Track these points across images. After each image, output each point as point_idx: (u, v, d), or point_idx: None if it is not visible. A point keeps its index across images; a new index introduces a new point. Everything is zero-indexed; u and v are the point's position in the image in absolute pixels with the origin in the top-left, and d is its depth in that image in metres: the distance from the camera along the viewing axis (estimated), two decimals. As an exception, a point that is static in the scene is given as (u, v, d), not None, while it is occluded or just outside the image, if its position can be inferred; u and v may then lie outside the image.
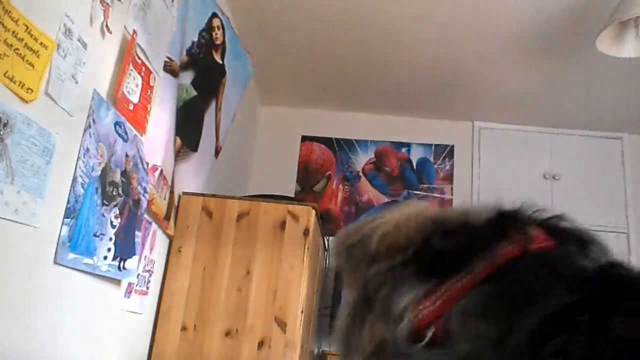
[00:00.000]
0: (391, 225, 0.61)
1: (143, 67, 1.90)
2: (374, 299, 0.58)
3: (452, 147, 3.97)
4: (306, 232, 2.27)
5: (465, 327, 0.48)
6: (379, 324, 0.56)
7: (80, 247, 1.55)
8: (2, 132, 1.21)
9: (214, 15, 2.55)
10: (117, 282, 1.86)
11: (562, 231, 0.55)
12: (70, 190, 1.49)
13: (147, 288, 2.13)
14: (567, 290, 0.46)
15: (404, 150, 3.99)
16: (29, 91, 1.30)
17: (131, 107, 1.83)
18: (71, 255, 1.51)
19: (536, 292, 0.47)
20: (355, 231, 0.65)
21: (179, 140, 2.34)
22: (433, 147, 3.98)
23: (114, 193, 1.73)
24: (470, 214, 0.59)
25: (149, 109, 1.97)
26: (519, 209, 0.59)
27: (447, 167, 3.93)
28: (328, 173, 3.97)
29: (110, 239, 1.72)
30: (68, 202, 1.48)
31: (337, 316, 0.67)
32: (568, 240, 0.54)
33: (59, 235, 1.46)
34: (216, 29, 2.59)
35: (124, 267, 1.83)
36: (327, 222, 3.73)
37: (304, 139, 4.05)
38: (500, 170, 3.89)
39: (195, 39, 2.41)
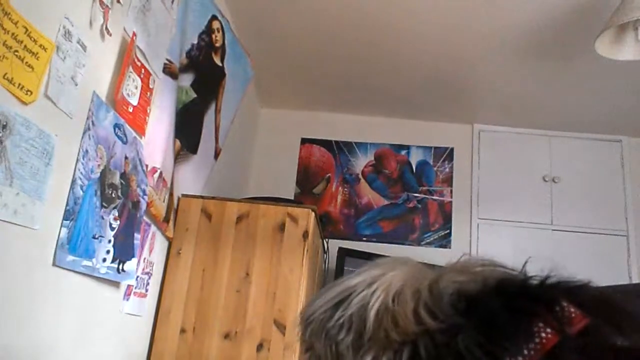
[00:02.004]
0: (392, 295, 0.50)
1: (142, 69, 1.90)
2: None
3: (452, 149, 3.97)
4: (305, 235, 2.27)
5: None
6: None
7: (79, 249, 1.55)
8: (1, 134, 1.21)
9: (214, 17, 2.55)
10: (116, 284, 1.86)
11: (593, 306, 0.48)
12: (70, 192, 1.49)
13: (146, 290, 2.13)
14: None
15: (403, 152, 4.00)
16: (28, 93, 1.30)
17: (130, 109, 1.83)
18: (70, 258, 1.51)
19: None
20: (337, 298, 0.53)
21: (178, 142, 2.34)
22: (433, 150, 3.98)
23: (113, 195, 1.73)
24: (485, 282, 0.49)
25: (148, 111, 1.97)
26: (540, 278, 0.50)
27: (447, 169, 3.93)
28: (327, 175, 3.97)
29: (110, 241, 1.72)
30: (67, 204, 1.48)
31: None
32: (600, 316, 0.47)
33: (58, 237, 1.46)
34: (216, 32, 2.59)
35: (123, 269, 1.83)
36: (326, 225, 3.73)
37: (304, 141, 4.05)
38: (499, 172, 3.89)
39: (195, 42, 2.41)
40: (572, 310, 0.47)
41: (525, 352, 0.44)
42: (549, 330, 0.45)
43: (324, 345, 0.52)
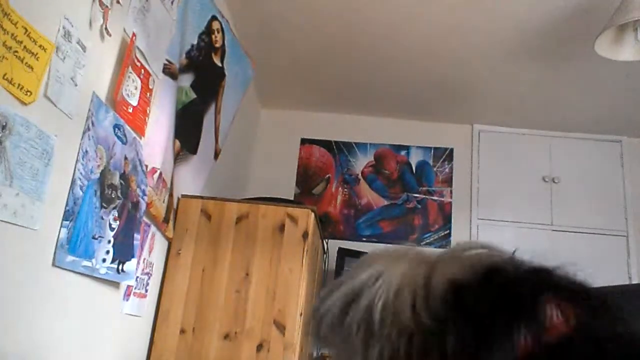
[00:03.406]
0: (394, 292, 0.55)
1: (142, 70, 1.90)
2: None
3: (452, 150, 3.97)
4: (305, 235, 2.27)
5: None
6: None
7: (79, 250, 1.55)
8: (0, 135, 1.21)
9: (214, 18, 2.55)
10: (116, 284, 1.86)
11: (580, 303, 0.50)
12: (69, 192, 1.49)
13: (146, 291, 2.13)
14: None
15: (403, 153, 4.00)
16: (28, 93, 1.30)
17: (130, 110, 1.83)
18: (70, 258, 1.51)
19: None
20: (348, 296, 0.58)
21: (178, 142, 2.34)
22: (432, 150, 3.98)
23: (113, 196, 1.73)
24: (474, 277, 0.52)
25: (148, 111, 1.97)
26: (529, 268, 0.53)
27: (447, 170, 3.93)
28: (327, 176, 3.97)
29: (109, 242, 1.72)
30: (67, 204, 1.48)
31: None
32: (587, 314, 0.49)
33: (58, 237, 1.46)
34: (216, 32, 2.59)
35: (122, 270, 1.83)
36: (326, 225, 3.73)
37: (304, 141, 4.05)
38: (499, 173, 3.89)
39: (195, 42, 2.41)
40: (556, 315, 0.48)
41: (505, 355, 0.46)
42: (528, 336, 0.47)
43: (341, 340, 0.57)
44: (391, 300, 0.54)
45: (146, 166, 1.99)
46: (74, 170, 1.51)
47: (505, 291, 0.50)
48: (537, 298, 0.49)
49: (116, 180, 1.74)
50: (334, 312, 0.58)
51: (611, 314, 0.50)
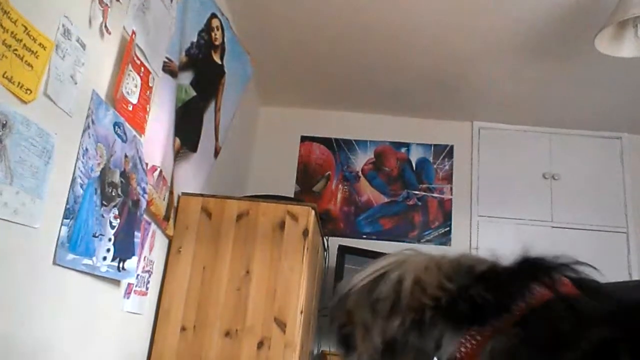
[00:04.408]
0: (421, 271, 0.61)
1: (142, 68, 1.90)
2: (402, 344, 0.58)
3: (452, 147, 3.97)
4: (305, 233, 2.27)
5: None
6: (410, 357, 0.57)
7: (79, 248, 1.55)
8: (1, 133, 1.21)
9: (213, 15, 2.55)
10: (117, 282, 1.86)
11: (582, 280, 0.58)
12: (70, 191, 1.49)
13: (147, 288, 2.13)
14: (600, 330, 0.49)
15: (403, 150, 4.00)
16: (28, 92, 1.30)
17: (130, 108, 1.83)
18: (70, 256, 1.51)
19: (570, 333, 0.50)
20: (378, 272, 0.63)
21: (178, 140, 2.34)
22: (432, 147, 3.98)
23: (113, 194, 1.73)
24: (496, 261, 0.60)
25: (148, 109, 1.97)
26: (539, 257, 0.61)
27: (447, 167, 3.93)
28: (327, 173, 3.97)
29: (110, 240, 1.72)
30: (67, 202, 1.48)
31: None
32: (587, 288, 0.57)
33: (58, 236, 1.46)
34: (215, 30, 2.59)
35: (123, 268, 1.83)
36: (326, 223, 3.73)
37: (304, 139, 4.05)
38: (499, 170, 3.89)
39: (195, 40, 2.41)
40: (565, 280, 0.57)
41: (526, 299, 0.54)
42: (545, 288, 0.55)
43: (367, 313, 0.62)
44: (421, 274, 0.61)
45: (146, 164, 1.99)
46: (74, 168, 1.51)
47: (522, 266, 0.59)
48: (550, 270, 0.58)
49: (116, 178, 1.74)
50: (363, 285, 0.64)
51: (604, 290, 0.58)
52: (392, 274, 0.62)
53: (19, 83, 1.26)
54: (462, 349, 0.53)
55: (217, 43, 2.63)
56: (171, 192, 2.28)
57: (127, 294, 1.96)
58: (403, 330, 0.58)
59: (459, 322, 0.55)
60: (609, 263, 3.54)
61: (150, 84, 1.97)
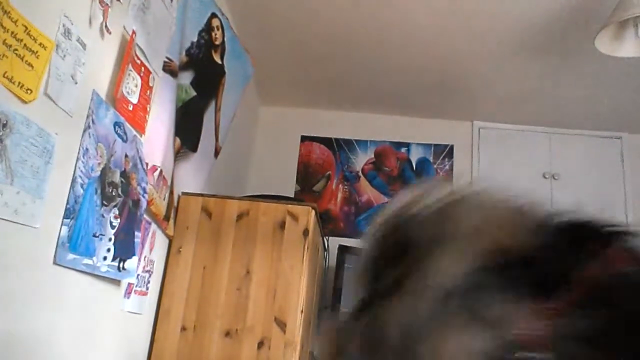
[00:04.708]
0: (506, 210, 0.49)
1: (142, 68, 1.90)
2: (462, 299, 0.46)
3: (452, 147, 3.97)
4: (306, 232, 2.27)
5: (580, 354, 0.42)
6: (467, 330, 0.45)
7: (79, 248, 1.55)
8: (1, 133, 1.21)
9: (213, 15, 2.55)
10: (117, 282, 1.86)
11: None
12: (70, 190, 1.49)
13: (147, 288, 2.13)
14: None
15: (403, 150, 4.00)
16: (28, 92, 1.30)
17: (130, 108, 1.83)
18: (71, 256, 1.51)
19: None
20: (454, 203, 0.50)
21: (178, 140, 2.34)
22: (432, 147, 3.98)
23: (114, 193, 1.73)
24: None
25: (148, 109, 1.97)
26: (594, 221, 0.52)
27: (447, 167, 3.93)
28: (328, 173, 3.97)
29: (110, 240, 1.72)
30: (67, 202, 1.48)
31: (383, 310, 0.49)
32: None
33: (59, 235, 1.46)
34: (215, 29, 2.59)
35: (123, 268, 1.83)
36: (326, 222, 3.73)
37: (304, 139, 4.05)
38: (499, 169, 3.88)
39: (195, 39, 2.41)
40: (622, 250, 0.49)
41: (591, 267, 0.46)
42: (621, 252, 0.48)
43: (430, 239, 0.49)
44: (507, 213, 0.49)
45: (146, 164, 1.99)
46: (75, 168, 1.51)
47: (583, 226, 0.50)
48: (623, 235, 0.51)
49: (117, 178, 1.74)
50: (431, 211, 0.50)
51: None
52: (472, 203, 0.49)
53: (19, 83, 1.26)
54: (522, 330, 0.42)
55: (217, 43, 2.63)
56: (171, 192, 2.28)
57: (128, 293, 1.96)
58: (470, 280, 0.45)
59: (524, 290, 0.44)
60: (609, 263, 3.54)
61: (151, 84, 1.97)
